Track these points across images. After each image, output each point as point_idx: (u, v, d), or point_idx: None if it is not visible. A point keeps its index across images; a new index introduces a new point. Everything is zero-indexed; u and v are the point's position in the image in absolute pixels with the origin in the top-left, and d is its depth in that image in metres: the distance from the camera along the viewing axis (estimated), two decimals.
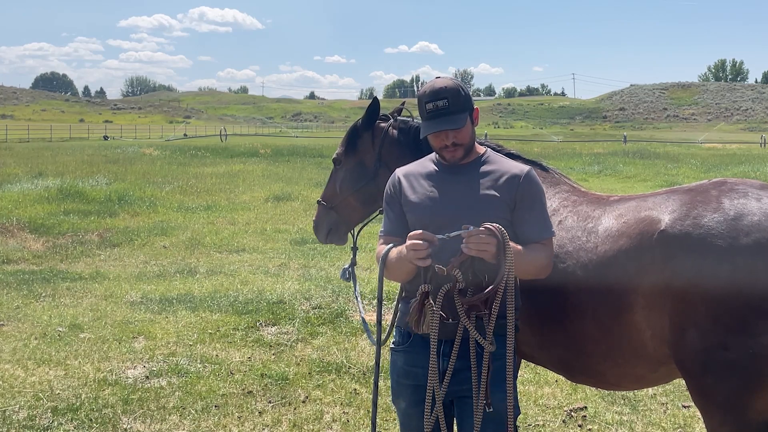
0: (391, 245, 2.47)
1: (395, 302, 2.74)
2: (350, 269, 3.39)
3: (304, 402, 4.80)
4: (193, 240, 10.82)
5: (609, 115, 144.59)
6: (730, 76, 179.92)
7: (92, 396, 4.78)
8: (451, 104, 2.42)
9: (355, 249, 3.46)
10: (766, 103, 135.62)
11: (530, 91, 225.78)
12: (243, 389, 4.97)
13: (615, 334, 2.57)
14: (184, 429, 4.37)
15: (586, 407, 4.68)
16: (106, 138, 54.73)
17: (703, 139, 58.13)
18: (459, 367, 2.38)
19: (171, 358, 5.54)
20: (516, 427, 2.48)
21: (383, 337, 2.82)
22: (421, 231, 2.29)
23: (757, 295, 2.26)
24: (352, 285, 3.47)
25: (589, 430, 4.42)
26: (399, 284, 2.64)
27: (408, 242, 2.30)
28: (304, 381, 5.15)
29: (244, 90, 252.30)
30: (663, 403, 4.78)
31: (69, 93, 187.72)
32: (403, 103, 3.40)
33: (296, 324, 6.47)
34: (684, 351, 2.41)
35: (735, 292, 2.28)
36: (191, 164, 25.99)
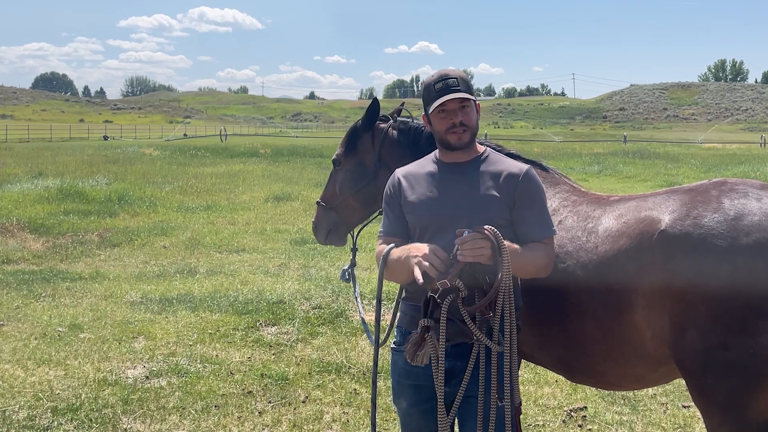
0: (392, 245, 2.47)
1: (395, 302, 2.74)
2: (350, 270, 3.39)
3: (304, 402, 4.80)
4: (193, 240, 10.82)
5: (609, 115, 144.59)
6: (730, 76, 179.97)
7: (92, 396, 4.78)
8: (460, 84, 2.46)
9: (354, 250, 3.46)
10: (766, 103, 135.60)
11: (530, 91, 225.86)
12: (243, 389, 4.97)
13: (615, 334, 2.57)
14: (184, 429, 4.37)
15: (586, 407, 4.68)
16: (106, 138, 54.72)
17: (703, 139, 58.10)
18: (460, 368, 2.38)
19: (171, 358, 5.54)
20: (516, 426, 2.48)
21: (384, 337, 2.82)
22: (437, 248, 2.28)
23: (757, 295, 2.26)
24: (352, 286, 3.47)
25: (589, 430, 4.42)
26: (399, 284, 2.64)
27: (422, 253, 2.29)
28: (304, 381, 5.15)
29: (244, 90, 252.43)
30: (663, 403, 4.78)
31: (69, 93, 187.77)
32: (403, 104, 3.39)
33: (296, 324, 6.47)
34: (684, 351, 2.41)
35: (735, 292, 2.28)
36: (191, 164, 25.98)
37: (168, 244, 10.62)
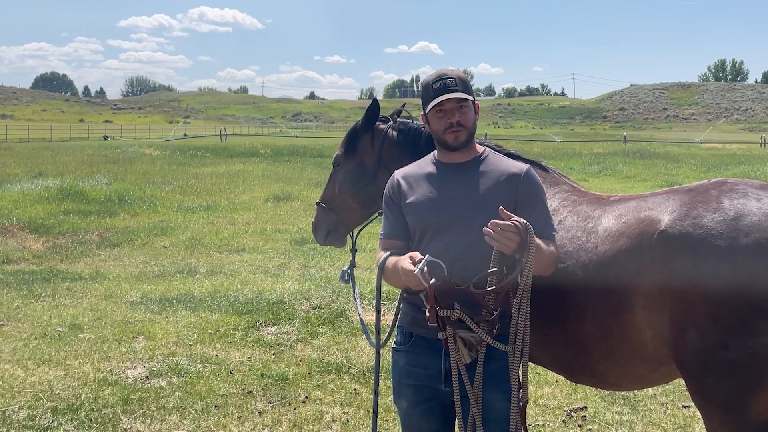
0: (388, 253, 2.47)
1: (397, 303, 2.74)
2: (349, 271, 3.39)
3: (304, 402, 4.80)
4: (193, 240, 10.82)
5: (609, 115, 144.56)
6: (730, 76, 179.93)
7: (92, 396, 4.78)
8: (458, 84, 2.46)
9: (354, 251, 3.46)
10: (766, 103, 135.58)
11: (530, 91, 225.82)
12: (243, 389, 4.97)
13: (615, 334, 2.57)
14: (184, 429, 4.37)
15: (586, 407, 4.68)
16: (106, 138, 54.72)
17: (703, 139, 58.09)
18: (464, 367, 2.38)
19: (171, 358, 5.54)
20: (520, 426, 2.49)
21: (384, 337, 2.82)
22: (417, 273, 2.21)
23: (757, 295, 2.26)
24: (352, 287, 3.47)
25: (589, 430, 4.42)
26: None
27: (403, 268, 2.26)
28: (304, 381, 5.15)
29: (244, 90, 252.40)
30: (663, 403, 4.78)
31: (69, 93, 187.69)
32: (404, 105, 3.39)
33: (296, 324, 6.47)
34: (684, 351, 2.41)
35: (735, 292, 2.28)
36: (191, 164, 25.98)
37: (168, 244, 10.62)
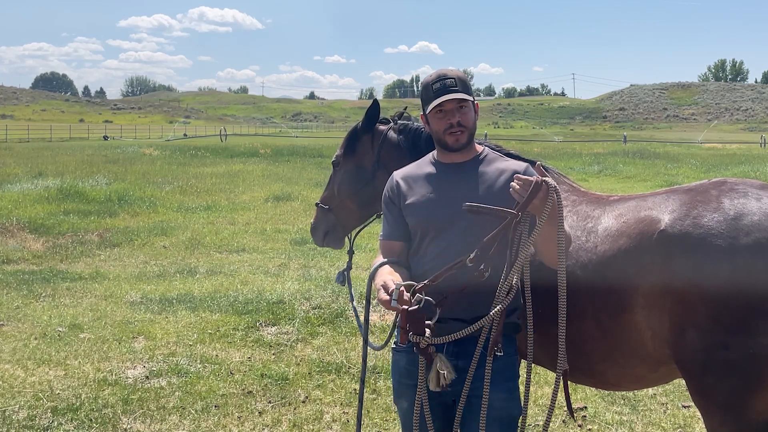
0: (378, 264, 2.47)
1: None
2: (346, 273, 3.40)
3: (304, 402, 4.80)
4: (193, 240, 10.82)
5: (609, 115, 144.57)
6: (730, 76, 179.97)
7: (92, 396, 4.78)
8: (458, 84, 2.46)
9: (351, 253, 3.47)
10: (766, 103, 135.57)
11: (530, 91, 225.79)
12: (243, 389, 4.97)
13: (615, 334, 2.57)
14: (184, 429, 4.37)
15: (586, 407, 4.68)
16: (106, 138, 54.72)
17: (703, 139, 58.07)
18: (462, 367, 2.38)
19: (171, 358, 5.54)
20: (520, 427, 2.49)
21: (384, 337, 2.83)
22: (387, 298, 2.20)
23: (757, 294, 2.26)
24: (348, 289, 3.48)
25: (589, 430, 4.42)
26: None
27: (379, 287, 2.26)
28: (304, 381, 5.15)
29: (244, 90, 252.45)
30: (663, 403, 4.78)
31: (69, 93, 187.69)
32: (406, 108, 3.40)
33: (296, 324, 6.47)
34: (684, 351, 2.41)
35: (735, 292, 2.28)
36: (191, 164, 25.98)
37: (168, 244, 10.62)
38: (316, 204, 3.49)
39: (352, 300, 3.49)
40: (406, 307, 2.16)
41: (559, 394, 2.37)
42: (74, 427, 4.34)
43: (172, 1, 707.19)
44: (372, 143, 3.24)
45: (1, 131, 50.14)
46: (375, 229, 2.97)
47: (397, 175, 2.64)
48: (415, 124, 3.23)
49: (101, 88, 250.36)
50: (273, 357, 5.67)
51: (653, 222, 2.50)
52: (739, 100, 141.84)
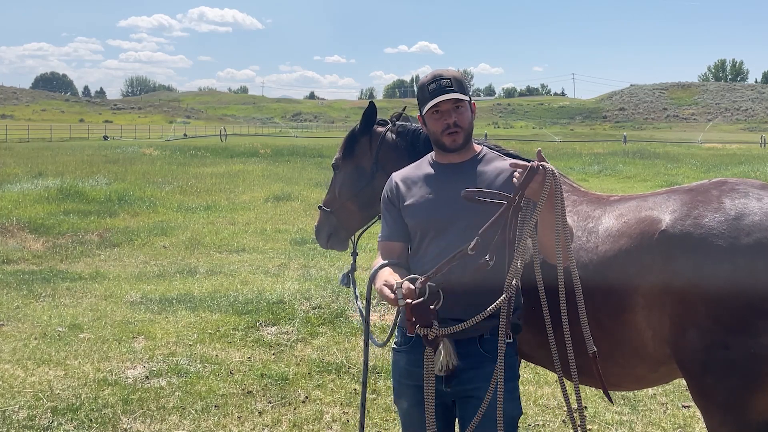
0: (378, 266, 2.47)
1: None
2: (350, 274, 3.41)
3: (304, 402, 4.80)
4: (193, 240, 10.82)
5: (609, 115, 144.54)
6: (730, 76, 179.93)
7: (92, 396, 4.78)
8: (454, 84, 2.45)
9: (354, 254, 3.48)
10: (766, 103, 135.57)
11: (530, 91, 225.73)
12: (243, 389, 4.97)
13: (615, 334, 2.57)
14: (184, 429, 4.37)
15: (586, 407, 4.67)
16: (106, 138, 54.73)
17: (703, 139, 58.07)
18: (462, 367, 2.38)
19: (171, 358, 5.54)
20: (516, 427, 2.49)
21: (385, 338, 2.83)
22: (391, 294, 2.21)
23: (758, 294, 2.26)
24: (352, 290, 3.48)
25: (589, 430, 4.41)
26: None
27: (382, 286, 2.28)
28: (304, 381, 5.15)
29: (244, 90, 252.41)
30: (663, 403, 4.78)
31: (69, 93, 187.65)
32: (404, 108, 3.40)
33: (296, 324, 6.47)
34: (684, 351, 2.40)
35: (735, 292, 2.28)
36: (191, 164, 25.98)
37: (168, 244, 10.62)
38: (319, 207, 3.52)
39: (357, 300, 3.49)
40: (410, 300, 2.16)
41: (559, 394, 2.37)
42: (74, 427, 4.34)
43: (172, 1, 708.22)
44: (370, 145, 3.25)
45: (1, 131, 50.14)
46: (375, 229, 2.97)
47: (396, 176, 2.64)
48: (413, 125, 3.23)
49: (101, 88, 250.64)
50: (273, 357, 5.67)
51: (654, 222, 2.50)
52: (739, 100, 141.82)
